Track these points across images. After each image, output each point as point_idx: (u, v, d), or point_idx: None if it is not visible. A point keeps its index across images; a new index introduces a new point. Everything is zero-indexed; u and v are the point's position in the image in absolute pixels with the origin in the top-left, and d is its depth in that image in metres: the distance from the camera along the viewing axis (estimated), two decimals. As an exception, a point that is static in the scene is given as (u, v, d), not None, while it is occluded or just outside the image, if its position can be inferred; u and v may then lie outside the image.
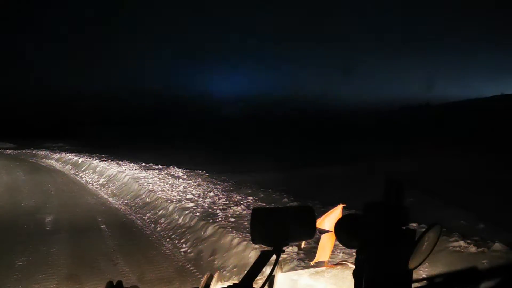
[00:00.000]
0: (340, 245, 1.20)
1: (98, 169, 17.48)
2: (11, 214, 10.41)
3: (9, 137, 43.46)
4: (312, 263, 3.56)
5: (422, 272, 4.84)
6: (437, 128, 36.83)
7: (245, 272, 1.16)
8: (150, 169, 16.15)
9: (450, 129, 34.91)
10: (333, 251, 4.37)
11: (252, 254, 6.26)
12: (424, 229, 1.09)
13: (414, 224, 6.01)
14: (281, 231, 1.20)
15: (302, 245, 5.16)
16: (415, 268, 1.11)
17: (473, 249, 5.63)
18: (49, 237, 8.37)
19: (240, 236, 7.08)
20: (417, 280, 1.23)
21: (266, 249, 1.19)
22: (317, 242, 3.24)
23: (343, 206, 3.07)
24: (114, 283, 1.23)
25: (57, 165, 22.20)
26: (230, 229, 7.57)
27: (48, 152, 28.12)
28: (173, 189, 11.65)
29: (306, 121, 61.02)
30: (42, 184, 15.25)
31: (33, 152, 29.77)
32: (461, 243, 5.81)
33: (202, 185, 12.39)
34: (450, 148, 23.04)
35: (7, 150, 33.41)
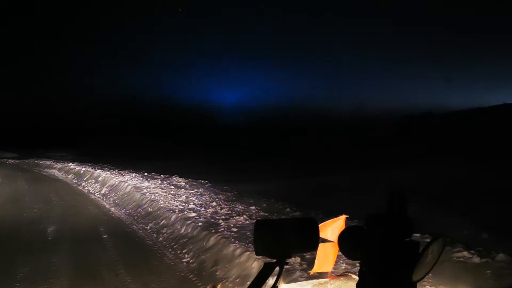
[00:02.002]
0: (343, 255, 1.20)
1: (100, 178, 17.49)
2: (13, 224, 10.40)
3: (11, 147, 43.55)
4: (311, 272, 3.55)
5: (426, 283, 4.81)
6: (440, 136, 36.77)
7: (248, 283, 1.16)
8: (152, 178, 16.15)
9: (453, 137, 34.86)
10: (336, 262, 4.35)
11: (255, 264, 6.23)
12: (428, 241, 1.09)
13: (417, 234, 5.98)
14: (284, 243, 1.20)
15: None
16: (419, 280, 1.11)
17: (477, 259, 5.60)
18: (51, 247, 8.35)
19: (243, 247, 7.05)
20: None
21: (269, 260, 1.19)
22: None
23: (346, 217, 3.07)
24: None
25: (60, 175, 22.22)
26: (232, 239, 7.54)
27: (50, 161, 28.16)
28: (176, 199, 11.64)
29: (305, 129, 60.96)
30: (45, 194, 15.25)
31: (36, 161, 29.82)
32: (465, 253, 5.78)
33: (204, 195, 12.38)
34: (452, 157, 22.98)
35: (10, 160, 33.47)
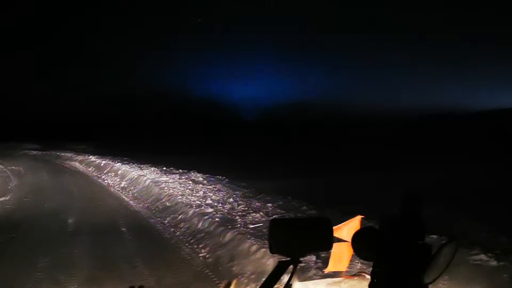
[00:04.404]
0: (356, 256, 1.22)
1: (120, 172, 17.70)
2: (35, 215, 10.64)
3: (34, 138, 44.30)
4: (326, 271, 3.57)
5: (441, 285, 4.78)
6: (460, 137, 36.22)
7: (263, 280, 1.19)
8: (170, 173, 16.27)
9: (472, 138, 34.31)
10: (351, 261, 4.35)
11: (270, 261, 6.26)
12: (441, 244, 1.11)
13: (435, 236, 5.94)
14: (298, 242, 1.23)
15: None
16: (431, 282, 1.13)
17: (494, 263, 5.54)
18: (71, 238, 8.53)
19: (259, 243, 7.09)
20: None
21: (284, 259, 1.22)
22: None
23: (362, 217, 3.07)
24: (135, 288, 1.27)
25: (81, 167, 22.56)
26: (248, 236, 7.58)
27: (72, 154, 28.56)
28: (193, 194, 11.74)
29: (324, 127, 60.65)
30: (66, 186, 15.54)
31: (57, 153, 30.27)
32: (482, 256, 5.71)
33: (222, 191, 12.44)
34: (470, 158, 22.63)
35: (33, 151, 34.10)
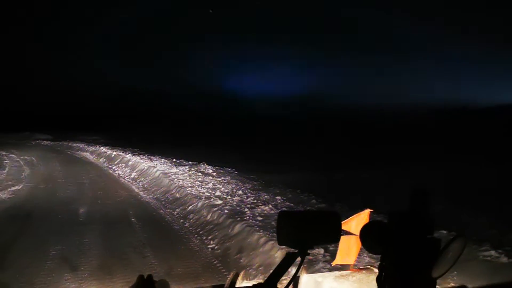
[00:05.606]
0: (364, 249, 1.23)
1: (130, 163, 17.82)
2: (47, 204, 10.77)
3: (46, 129, 44.62)
4: (333, 264, 3.58)
5: (450, 280, 4.77)
6: (472, 133, 35.87)
7: (271, 272, 1.20)
8: (180, 165, 16.36)
9: (488, 134, 33.97)
10: (359, 255, 4.35)
11: (278, 254, 6.29)
12: (450, 239, 1.10)
13: (444, 231, 5.92)
14: (306, 234, 1.23)
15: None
16: (438, 277, 1.13)
17: (504, 259, 5.51)
18: (82, 228, 8.62)
19: (267, 236, 7.12)
20: None
21: (292, 251, 1.23)
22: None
23: (370, 211, 3.06)
24: (145, 277, 1.29)
25: (92, 158, 22.73)
26: (257, 228, 7.62)
27: (83, 144, 28.76)
28: (203, 186, 11.79)
29: (333, 121, 60.33)
30: (77, 176, 15.67)
31: (69, 144, 30.50)
32: (492, 252, 5.69)
33: (231, 183, 12.49)
34: (485, 156, 22.41)
35: (45, 141, 34.42)
